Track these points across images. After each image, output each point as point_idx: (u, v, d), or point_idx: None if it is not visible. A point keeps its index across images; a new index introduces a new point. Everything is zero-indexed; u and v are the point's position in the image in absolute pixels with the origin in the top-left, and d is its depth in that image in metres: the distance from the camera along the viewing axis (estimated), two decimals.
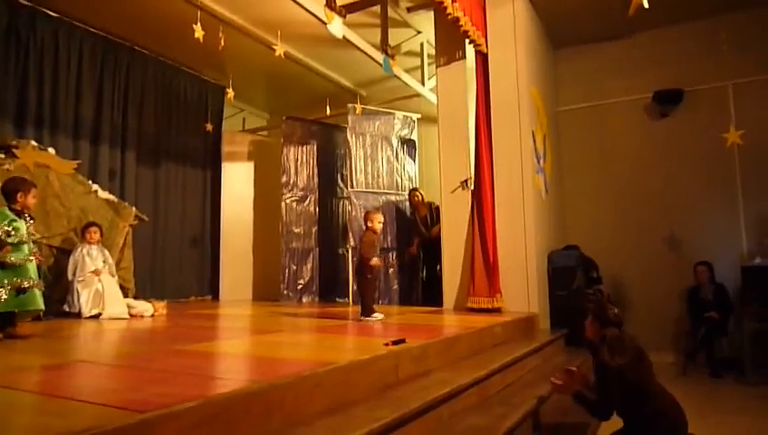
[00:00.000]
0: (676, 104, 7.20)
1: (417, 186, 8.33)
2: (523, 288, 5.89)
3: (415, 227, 7.87)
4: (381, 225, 5.15)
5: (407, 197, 8.17)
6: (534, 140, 6.35)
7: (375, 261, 4.92)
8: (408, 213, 8.09)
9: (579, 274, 6.30)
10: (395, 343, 3.19)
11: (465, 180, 6.31)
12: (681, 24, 7.14)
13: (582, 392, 3.15)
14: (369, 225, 5.02)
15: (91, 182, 6.12)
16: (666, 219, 7.15)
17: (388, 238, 7.92)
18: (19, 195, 3.82)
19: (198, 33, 5.18)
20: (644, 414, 2.95)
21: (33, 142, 5.62)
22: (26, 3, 6.15)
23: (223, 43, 5.78)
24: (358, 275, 5.11)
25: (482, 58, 6.29)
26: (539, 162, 6.51)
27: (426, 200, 7.75)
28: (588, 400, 3.11)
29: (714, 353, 6.20)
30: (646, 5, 4.15)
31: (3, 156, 5.24)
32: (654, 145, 7.35)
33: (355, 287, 5.11)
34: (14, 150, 5.32)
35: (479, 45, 6.12)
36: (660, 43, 7.35)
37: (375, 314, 4.84)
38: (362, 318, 4.83)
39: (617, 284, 7.12)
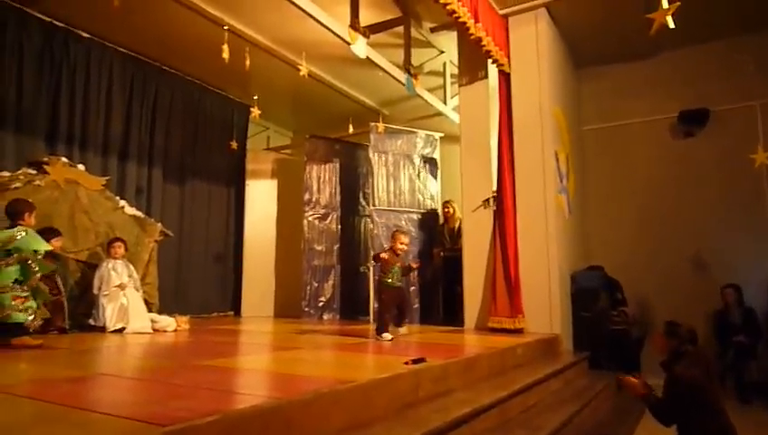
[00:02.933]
0: (702, 124, 7.10)
1: (439, 204, 8.33)
2: (545, 309, 5.82)
3: (440, 237, 7.86)
4: (404, 247, 5.12)
5: (429, 214, 8.19)
6: (557, 160, 6.32)
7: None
8: (440, 223, 8.10)
9: (603, 295, 6.21)
10: (415, 361, 3.17)
11: (488, 199, 6.29)
12: (707, 43, 7.07)
13: (650, 395, 3.38)
14: (392, 244, 5.05)
15: (118, 198, 6.24)
16: (692, 241, 7.02)
17: (409, 257, 7.90)
18: (26, 215, 4.10)
19: (225, 53, 5.29)
20: (701, 431, 3.16)
21: (64, 159, 5.76)
22: (60, 24, 6.34)
23: (248, 64, 5.88)
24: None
25: (504, 78, 6.31)
26: (562, 182, 6.47)
27: (457, 215, 7.72)
28: (655, 403, 3.35)
29: (743, 378, 6.03)
30: (671, 25, 4.13)
31: (34, 172, 5.38)
32: (679, 166, 7.24)
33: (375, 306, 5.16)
34: (45, 167, 5.46)
35: (502, 65, 6.14)
36: (685, 63, 7.28)
37: (384, 335, 4.77)
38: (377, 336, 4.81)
39: (642, 305, 6.99)
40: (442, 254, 7.76)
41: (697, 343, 3.44)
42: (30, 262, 3.91)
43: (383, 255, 5.02)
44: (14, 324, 3.78)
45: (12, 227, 3.99)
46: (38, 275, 3.95)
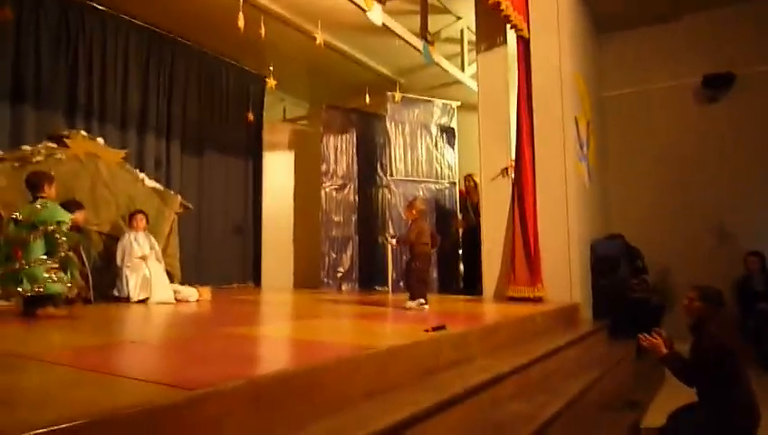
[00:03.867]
0: (727, 88, 6.93)
1: (457, 174, 8.28)
2: (565, 277, 5.79)
3: (463, 210, 7.82)
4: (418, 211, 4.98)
5: (447, 185, 8.16)
6: (577, 127, 6.22)
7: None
8: (459, 198, 8.06)
9: (623, 263, 6.16)
10: (435, 329, 3.19)
11: (506, 168, 6.23)
12: (731, 5, 6.85)
13: (672, 356, 3.41)
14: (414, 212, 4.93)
15: (137, 171, 6.29)
16: (715, 207, 6.91)
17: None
18: (46, 186, 4.10)
19: (241, 22, 5.23)
20: (725, 397, 3.16)
21: (84, 132, 5.80)
22: None
23: (264, 33, 5.81)
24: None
25: (523, 44, 6.18)
26: (582, 149, 6.38)
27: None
28: (678, 363, 3.39)
29: (765, 346, 5.98)
30: None
31: (55, 146, 5.42)
32: (703, 131, 7.09)
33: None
34: (66, 140, 5.51)
35: (521, 30, 6.00)
36: (709, 26, 7.07)
37: (419, 300, 4.69)
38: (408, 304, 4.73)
39: (662, 274, 6.93)
40: (461, 227, 7.74)
41: (725, 306, 3.47)
42: (55, 234, 3.95)
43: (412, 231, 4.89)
44: (49, 296, 3.85)
45: (33, 199, 4.04)
46: (65, 245, 3.99)
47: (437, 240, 5.13)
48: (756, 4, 6.76)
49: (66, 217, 4.10)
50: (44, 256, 3.88)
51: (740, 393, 3.17)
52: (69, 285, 3.98)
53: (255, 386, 1.87)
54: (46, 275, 3.83)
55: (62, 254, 3.98)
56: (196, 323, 4.14)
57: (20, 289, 3.77)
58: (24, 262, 3.80)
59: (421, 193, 7.87)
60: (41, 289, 3.79)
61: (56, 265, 3.92)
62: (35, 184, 4.10)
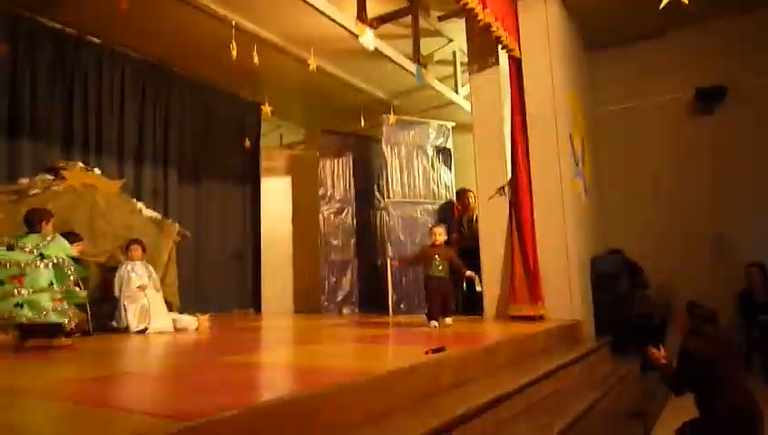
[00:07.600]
0: (720, 102, 6.97)
1: (453, 194, 8.28)
2: (565, 295, 5.76)
3: (458, 226, 7.81)
4: (441, 237, 5.35)
5: (442, 202, 8.17)
6: (572, 144, 6.24)
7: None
8: (457, 212, 8.06)
9: (623, 279, 6.13)
10: (435, 351, 3.16)
11: (503, 187, 6.24)
12: (721, 18, 6.92)
13: (666, 366, 3.57)
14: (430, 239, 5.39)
15: (135, 200, 6.29)
16: (714, 220, 6.89)
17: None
18: (43, 223, 4.20)
19: (234, 50, 5.29)
20: (714, 403, 3.18)
21: (81, 164, 5.82)
22: (71, 31, 6.40)
23: (257, 61, 5.86)
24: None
25: (515, 63, 6.23)
26: (577, 166, 6.39)
27: (474, 204, 7.71)
28: (668, 373, 3.55)
29: None
30: (686, 0, 4.06)
31: (52, 178, 5.44)
32: (698, 144, 7.11)
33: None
34: (63, 172, 5.52)
35: (512, 50, 6.06)
36: (700, 40, 7.13)
37: (431, 322, 5.04)
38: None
39: (664, 288, 6.89)
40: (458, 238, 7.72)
41: (717, 324, 3.49)
42: (64, 267, 4.02)
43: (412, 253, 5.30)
44: (51, 325, 3.88)
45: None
46: (72, 278, 4.07)
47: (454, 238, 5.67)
48: (744, 17, 6.83)
49: (72, 252, 4.22)
50: (49, 285, 3.91)
51: (730, 398, 3.16)
52: (68, 317, 3.97)
53: (251, 415, 1.85)
54: (50, 304, 3.86)
55: (69, 286, 4.04)
56: (194, 352, 4.11)
57: (17, 315, 3.76)
58: (26, 290, 3.82)
59: (419, 214, 7.86)
60: (41, 318, 3.80)
61: (60, 296, 3.96)
62: (32, 221, 4.16)
